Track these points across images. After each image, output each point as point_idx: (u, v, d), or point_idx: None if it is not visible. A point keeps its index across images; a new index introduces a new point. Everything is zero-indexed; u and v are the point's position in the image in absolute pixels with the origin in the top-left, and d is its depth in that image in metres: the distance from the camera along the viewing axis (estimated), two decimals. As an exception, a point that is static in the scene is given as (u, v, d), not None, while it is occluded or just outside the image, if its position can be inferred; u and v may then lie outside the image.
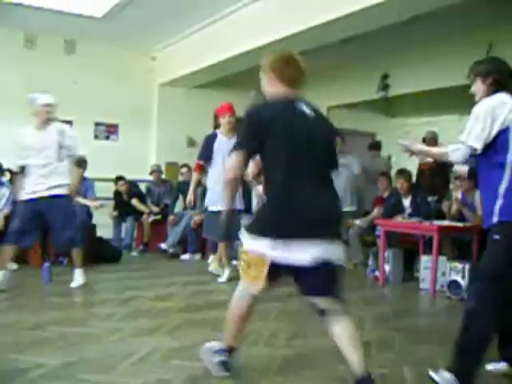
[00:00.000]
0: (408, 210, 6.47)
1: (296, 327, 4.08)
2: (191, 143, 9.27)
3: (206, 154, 5.88)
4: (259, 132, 2.67)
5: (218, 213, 5.12)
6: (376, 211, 7.05)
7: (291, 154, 2.63)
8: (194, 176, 6.16)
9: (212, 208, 5.74)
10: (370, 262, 6.58)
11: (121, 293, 5.24)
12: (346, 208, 7.95)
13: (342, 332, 2.73)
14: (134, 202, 8.05)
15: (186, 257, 7.69)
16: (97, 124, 8.81)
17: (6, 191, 6.62)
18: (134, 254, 7.92)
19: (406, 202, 6.52)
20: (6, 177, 6.84)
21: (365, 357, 2.72)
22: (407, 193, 6.53)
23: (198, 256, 7.67)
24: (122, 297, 5.07)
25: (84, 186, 7.07)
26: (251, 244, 2.72)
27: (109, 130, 8.95)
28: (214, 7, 7.10)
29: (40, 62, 8.16)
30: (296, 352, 3.47)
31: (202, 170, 6.06)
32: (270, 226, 2.67)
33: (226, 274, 5.87)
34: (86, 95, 8.44)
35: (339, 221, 2.83)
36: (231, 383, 2.96)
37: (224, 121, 5.86)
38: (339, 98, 9.91)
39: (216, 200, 5.51)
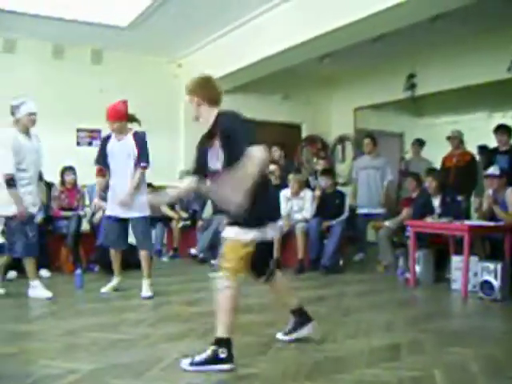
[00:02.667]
0: (438, 210, 6.38)
1: (325, 331, 4.05)
2: (219, 148, 9.31)
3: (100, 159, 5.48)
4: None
5: (116, 218, 5.32)
6: (405, 212, 6.97)
7: None
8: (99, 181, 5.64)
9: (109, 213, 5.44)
10: (401, 263, 6.51)
11: (151, 298, 5.29)
12: (376, 210, 7.96)
13: None
14: (163, 208, 8.11)
15: (216, 262, 7.72)
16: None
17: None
18: (165, 259, 7.98)
19: (436, 202, 6.43)
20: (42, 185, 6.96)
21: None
22: (437, 192, 6.44)
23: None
24: (153, 302, 5.12)
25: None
26: None
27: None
28: (238, 13, 7.14)
29: (68, 72, 8.32)
30: (326, 355, 3.45)
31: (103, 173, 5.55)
32: None
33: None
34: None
35: None
36: (261, 387, 2.96)
37: (113, 126, 5.39)
38: (365, 100, 9.87)
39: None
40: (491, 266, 5.33)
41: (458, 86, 8.12)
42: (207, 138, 3.48)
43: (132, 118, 5.45)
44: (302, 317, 3.74)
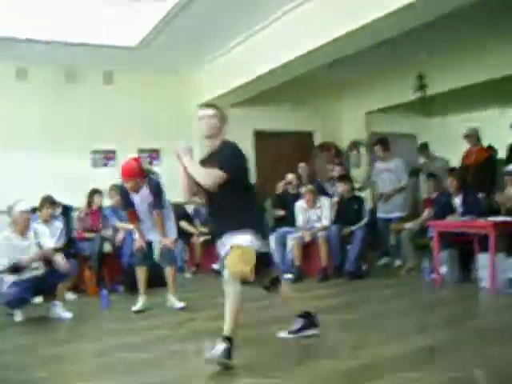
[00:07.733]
0: (459, 209, 6.31)
1: (358, 337, 4.00)
2: (233, 161, 9.31)
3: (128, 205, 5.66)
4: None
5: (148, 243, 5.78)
6: (426, 213, 6.91)
7: None
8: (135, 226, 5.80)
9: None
10: (426, 264, 6.41)
11: (177, 315, 5.27)
12: (396, 214, 7.78)
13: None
14: (183, 224, 8.09)
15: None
16: (140, 151, 8.86)
17: (59, 225, 6.73)
18: (188, 275, 7.95)
19: (457, 201, 6.37)
20: (59, 210, 6.98)
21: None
22: (457, 191, 6.37)
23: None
24: (178, 319, 5.09)
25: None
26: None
27: (151, 156, 9.04)
28: (245, 26, 7.16)
29: (80, 96, 8.39)
30: (360, 363, 3.40)
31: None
32: None
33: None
34: (126, 123, 8.58)
35: None
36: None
37: (128, 185, 5.44)
38: (375, 103, 9.89)
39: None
40: (519, 261, 5.25)
41: (467, 84, 8.06)
42: None
43: (149, 172, 5.75)
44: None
